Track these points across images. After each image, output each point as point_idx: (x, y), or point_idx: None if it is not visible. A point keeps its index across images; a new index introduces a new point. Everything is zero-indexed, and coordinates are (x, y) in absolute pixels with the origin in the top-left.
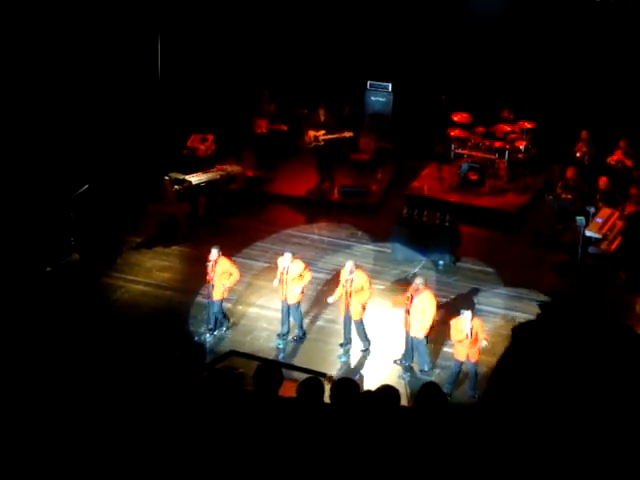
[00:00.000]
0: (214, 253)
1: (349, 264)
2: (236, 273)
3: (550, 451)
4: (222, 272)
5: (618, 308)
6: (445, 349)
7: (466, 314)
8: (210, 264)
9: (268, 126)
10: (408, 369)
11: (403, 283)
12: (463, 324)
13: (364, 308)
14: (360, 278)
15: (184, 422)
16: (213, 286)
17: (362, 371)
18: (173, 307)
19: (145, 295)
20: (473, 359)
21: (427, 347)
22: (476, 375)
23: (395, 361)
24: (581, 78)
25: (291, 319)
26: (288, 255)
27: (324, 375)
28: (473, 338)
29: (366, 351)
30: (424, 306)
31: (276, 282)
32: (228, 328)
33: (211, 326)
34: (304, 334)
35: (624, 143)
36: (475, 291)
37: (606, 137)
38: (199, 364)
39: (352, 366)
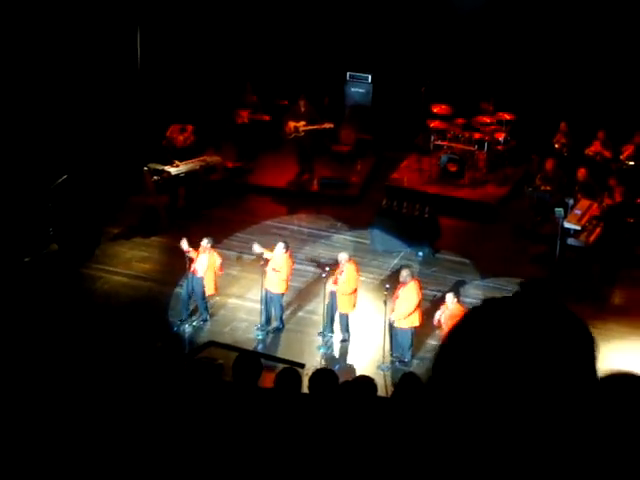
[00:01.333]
0: (205, 242)
1: (341, 255)
2: (218, 262)
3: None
4: (212, 264)
5: (594, 299)
6: (428, 340)
7: (447, 298)
8: (202, 254)
9: (249, 116)
10: (391, 360)
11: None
12: (441, 309)
13: (352, 300)
14: (350, 270)
15: (164, 413)
16: (202, 277)
17: (341, 362)
18: (152, 298)
19: (124, 286)
20: None
21: (410, 339)
22: None
23: (391, 355)
24: (560, 69)
25: (272, 310)
26: (280, 245)
27: (303, 366)
28: (449, 323)
29: (346, 342)
30: (407, 296)
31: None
32: (206, 320)
33: (185, 317)
34: (283, 326)
35: (602, 134)
36: (454, 282)
37: (584, 128)
38: (178, 355)
39: (332, 357)
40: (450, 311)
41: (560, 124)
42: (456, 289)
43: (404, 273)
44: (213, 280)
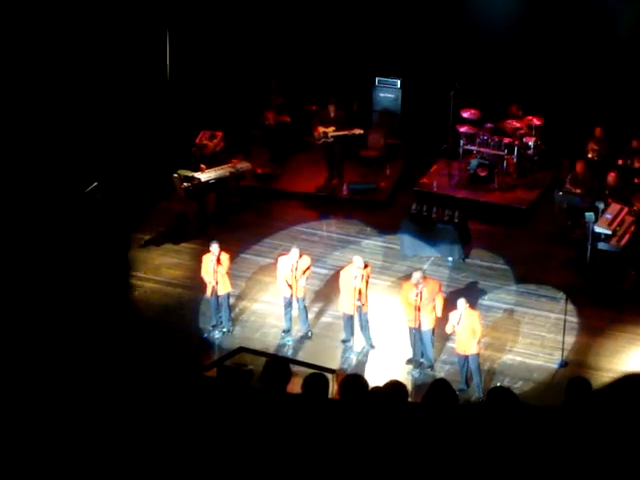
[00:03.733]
0: (216, 248)
1: (357, 259)
2: (226, 263)
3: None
4: (227, 266)
5: (625, 304)
6: (452, 345)
7: (458, 304)
8: (214, 259)
9: (275, 118)
10: (418, 365)
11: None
12: (454, 316)
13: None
14: (368, 273)
15: (192, 419)
16: (217, 282)
17: (370, 368)
18: (183, 304)
19: (155, 292)
20: (469, 352)
21: (433, 342)
22: (479, 372)
23: (409, 360)
24: (591, 73)
25: (294, 314)
26: (295, 251)
27: (333, 371)
28: (464, 329)
29: (372, 347)
30: (432, 298)
31: (281, 282)
32: (228, 330)
33: (214, 322)
34: (309, 330)
35: (637, 143)
36: (484, 287)
37: (618, 136)
38: (208, 361)
39: (360, 362)
40: (465, 317)
41: (595, 130)
42: (485, 295)
43: (416, 275)
44: (227, 279)
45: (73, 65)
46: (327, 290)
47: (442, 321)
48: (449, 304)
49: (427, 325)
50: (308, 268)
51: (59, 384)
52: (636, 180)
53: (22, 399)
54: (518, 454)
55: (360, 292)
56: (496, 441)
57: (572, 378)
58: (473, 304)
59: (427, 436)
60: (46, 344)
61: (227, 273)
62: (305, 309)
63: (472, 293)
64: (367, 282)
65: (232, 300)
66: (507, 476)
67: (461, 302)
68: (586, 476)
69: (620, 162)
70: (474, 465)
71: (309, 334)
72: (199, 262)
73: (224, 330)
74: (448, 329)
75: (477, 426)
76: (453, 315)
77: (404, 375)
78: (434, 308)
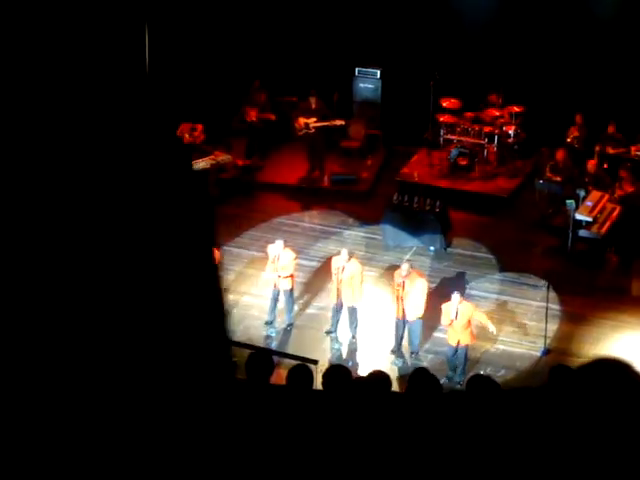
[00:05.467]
0: None
1: (343, 252)
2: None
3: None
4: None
5: (607, 290)
6: (436, 334)
7: (453, 297)
8: None
9: (258, 115)
10: (401, 355)
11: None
12: (449, 308)
13: (358, 294)
14: (354, 266)
15: (177, 412)
16: None
17: (354, 358)
18: None
19: None
20: (463, 343)
21: (421, 331)
22: (465, 360)
23: (392, 350)
24: (570, 61)
25: (280, 306)
26: (279, 243)
27: (315, 362)
28: (461, 322)
29: (356, 338)
30: (417, 288)
31: (267, 274)
32: None
33: None
34: (292, 322)
35: (612, 128)
36: (466, 276)
37: (596, 121)
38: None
39: (344, 353)
40: (461, 310)
41: (575, 117)
42: (468, 284)
43: (404, 267)
44: None
45: (48, 59)
46: (310, 281)
47: (430, 312)
48: (432, 293)
49: (413, 315)
50: (293, 263)
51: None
52: (606, 166)
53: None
54: (499, 440)
55: (340, 284)
56: (477, 428)
57: (554, 366)
58: (456, 291)
59: (411, 425)
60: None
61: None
62: (291, 301)
63: (454, 282)
64: (356, 276)
65: None
66: (491, 463)
67: (455, 296)
68: (569, 461)
69: (597, 148)
70: (458, 453)
71: (289, 327)
72: None
73: None
74: (444, 321)
75: (458, 414)
76: (447, 307)
77: (388, 365)
78: (418, 299)
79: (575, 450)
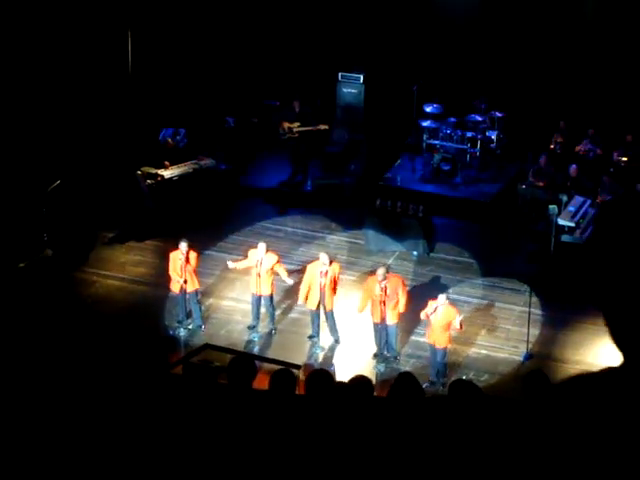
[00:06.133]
0: (184, 246)
1: (323, 256)
2: (194, 261)
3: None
4: (192, 264)
5: (587, 296)
6: (417, 338)
7: (440, 297)
8: (182, 258)
9: (238, 122)
10: (383, 360)
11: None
12: (430, 306)
13: (335, 298)
14: (335, 269)
15: (159, 416)
16: (185, 280)
17: (336, 362)
18: (147, 301)
19: (119, 290)
20: (439, 345)
21: (397, 334)
22: (443, 363)
23: (375, 355)
24: (551, 66)
25: (262, 310)
26: (262, 246)
27: (298, 367)
28: (439, 323)
29: (337, 342)
30: (397, 290)
31: (230, 264)
32: (199, 327)
33: (180, 318)
34: (275, 327)
35: (592, 132)
36: (449, 281)
37: (575, 126)
38: (174, 358)
39: (326, 357)
40: (443, 311)
41: (560, 123)
42: (450, 288)
43: (380, 272)
44: (194, 277)
45: (36, 62)
46: (293, 286)
47: (406, 315)
48: (415, 298)
49: (392, 319)
50: (274, 268)
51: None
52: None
53: None
54: (480, 445)
55: (324, 288)
56: (459, 433)
57: (529, 372)
58: (441, 294)
59: (393, 430)
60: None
61: (194, 271)
62: (272, 306)
63: (437, 287)
64: (335, 279)
65: (198, 297)
66: (472, 468)
67: (442, 296)
68: (549, 466)
69: (580, 150)
70: (440, 457)
71: (273, 332)
72: (163, 259)
73: (190, 327)
74: (422, 316)
75: (440, 418)
76: (430, 303)
77: (369, 369)
78: (397, 303)
79: (555, 453)
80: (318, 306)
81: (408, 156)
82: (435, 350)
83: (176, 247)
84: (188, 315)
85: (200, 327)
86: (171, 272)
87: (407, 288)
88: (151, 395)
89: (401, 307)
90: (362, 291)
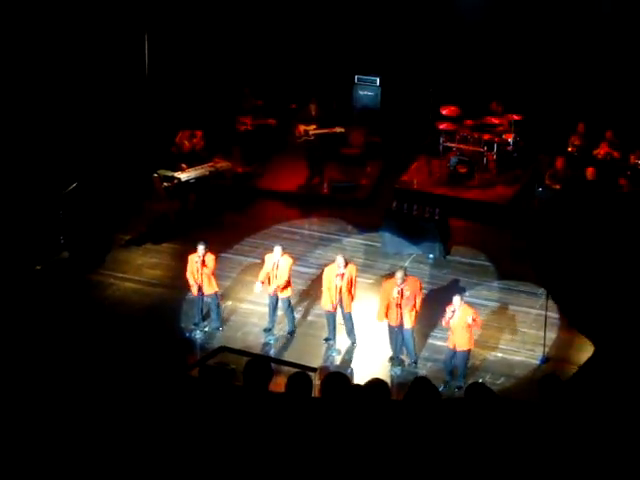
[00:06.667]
0: (202, 249)
1: (339, 259)
2: (212, 265)
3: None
4: (212, 267)
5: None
6: (434, 342)
7: (454, 300)
8: (198, 261)
9: (253, 122)
10: (399, 363)
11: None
12: (448, 311)
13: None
14: (352, 271)
15: (176, 418)
16: (201, 283)
17: (352, 365)
18: (163, 304)
19: (136, 292)
20: (460, 348)
21: (414, 339)
22: (464, 365)
23: (391, 358)
24: (568, 69)
25: (279, 313)
26: (278, 249)
27: (314, 370)
28: (459, 324)
29: (354, 345)
30: (415, 294)
31: (258, 285)
32: (218, 328)
33: (196, 320)
34: (294, 329)
35: (610, 134)
36: (465, 284)
37: (593, 129)
38: (190, 360)
39: (343, 360)
40: (460, 313)
41: (578, 125)
42: (466, 291)
43: (398, 275)
44: (213, 280)
45: (53, 65)
46: (309, 288)
47: (423, 318)
48: (431, 301)
49: (409, 323)
50: (289, 269)
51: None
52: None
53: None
54: (496, 449)
55: (341, 291)
56: (475, 436)
57: (543, 375)
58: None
59: (409, 433)
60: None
61: (212, 274)
62: (290, 308)
63: (453, 290)
64: (352, 281)
65: (219, 300)
66: (487, 471)
67: (456, 298)
68: (563, 469)
69: (599, 154)
70: (455, 461)
71: (291, 334)
72: (180, 262)
73: (206, 330)
74: (442, 324)
75: (456, 422)
76: (447, 309)
77: (386, 373)
78: (414, 306)
79: (569, 456)
80: (335, 308)
81: (425, 158)
82: (455, 353)
83: (194, 249)
84: (204, 318)
85: (218, 329)
86: (188, 275)
87: (423, 291)
88: (167, 397)
89: (417, 306)
90: (380, 296)
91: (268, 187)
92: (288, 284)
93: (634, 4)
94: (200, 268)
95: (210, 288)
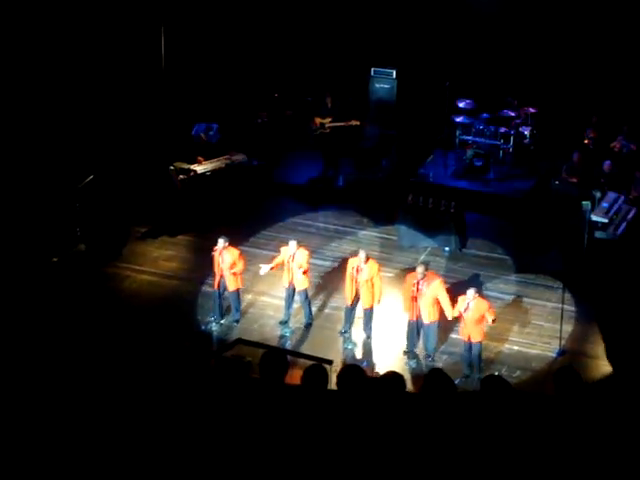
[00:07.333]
0: (221, 243)
1: (361, 252)
2: (240, 265)
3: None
4: (230, 262)
5: (622, 292)
6: (451, 335)
7: (468, 292)
8: (216, 254)
9: (269, 115)
10: (414, 356)
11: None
12: (461, 302)
13: (375, 296)
14: (372, 268)
15: (192, 410)
16: (222, 277)
17: (368, 358)
18: (180, 296)
19: (152, 285)
20: (474, 339)
21: (436, 334)
22: (479, 357)
23: (405, 352)
24: (585, 62)
25: (295, 306)
26: (293, 243)
27: (330, 362)
28: (472, 317)
29: (369, 339)
30: (436, 293)
31: (264, 267)
32: (237, 321)
33: (216, 315)
34: (311, 321)
35: (626, 128)
36: (482, 277)
37: (609, 122)
38: (206, 352)
39: (359, 353)
40: (474, 305)
41: (593, 118)
42: (483, 284)
43: (419, 269)
44: (233, 276)
45: (70, 58)
46: (324, 281)
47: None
48: (448, 294)
49: (428, 318)
50: (307, 260)
51: (53, 377)
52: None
53: (22, 397)
54: (512, 441)
55: (358, 285)
56: (491, 429)
57: (559, 368)
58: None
59: (425, 425)
60: (41, 339)
61: (231, 269)
62: (307, 301)
63: (469, 283)
64: (373, 279)
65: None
66: (504, 465)
67: (470, 291)
68: (577, 465)
69: (615, 147)
70: (471, 454)
71: (307, 326)
72: (195, 254)
73: (222, 322)
74: (454, 313)
75: (472, 415)
76: (460, 300)
77: (402, 366)
78: (436, 302)
79: (583, 451)
80: (353, 302)
81: (440, 152)
82: (470, 345)
83: (210, 242)
84: (223, 315)
85: (236, 322)
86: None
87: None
88: (183, 389)
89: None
90: (403, 290)
91: (284, 180)
92: (305, 276)
93: None
94: (219, 262)
95: (235, 285)
